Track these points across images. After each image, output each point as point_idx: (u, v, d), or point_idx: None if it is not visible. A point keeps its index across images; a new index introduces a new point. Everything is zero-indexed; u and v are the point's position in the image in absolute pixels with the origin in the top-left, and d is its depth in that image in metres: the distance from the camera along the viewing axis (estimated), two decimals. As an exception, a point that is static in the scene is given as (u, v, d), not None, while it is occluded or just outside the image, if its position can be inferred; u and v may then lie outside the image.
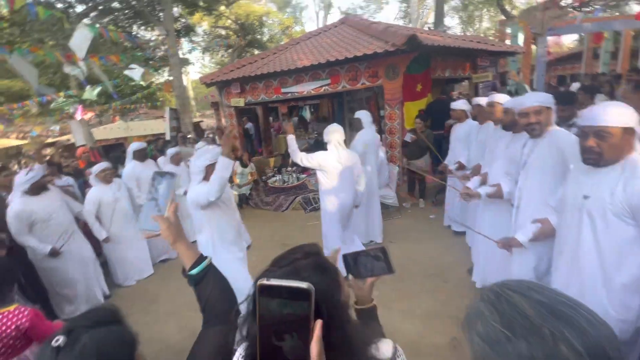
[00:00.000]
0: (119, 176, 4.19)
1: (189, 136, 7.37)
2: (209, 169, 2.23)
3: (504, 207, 2.41)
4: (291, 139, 3.29)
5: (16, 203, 3.03)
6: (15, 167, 10.22)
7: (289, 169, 6.97)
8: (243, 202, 6.29)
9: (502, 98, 2.75)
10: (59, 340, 0.63)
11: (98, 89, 8.38)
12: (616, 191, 1.37)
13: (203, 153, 2.35)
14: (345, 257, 0.92)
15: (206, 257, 0.92)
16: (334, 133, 3.25)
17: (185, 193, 4.56)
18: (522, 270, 2.04)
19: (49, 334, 1.54)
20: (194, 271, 0.89)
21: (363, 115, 3.97)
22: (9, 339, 1.38)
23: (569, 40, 20.53)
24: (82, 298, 3.45)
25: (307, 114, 13.22)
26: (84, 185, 4.42)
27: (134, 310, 3.47)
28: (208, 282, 0.89)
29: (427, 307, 2.91)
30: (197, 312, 0.92)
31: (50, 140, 13.97)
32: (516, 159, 2.15)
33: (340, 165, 3.24)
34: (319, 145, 7.77)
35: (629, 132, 1.37)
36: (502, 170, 2.46)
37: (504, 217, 2.40)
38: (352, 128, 4.08)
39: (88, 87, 8.66)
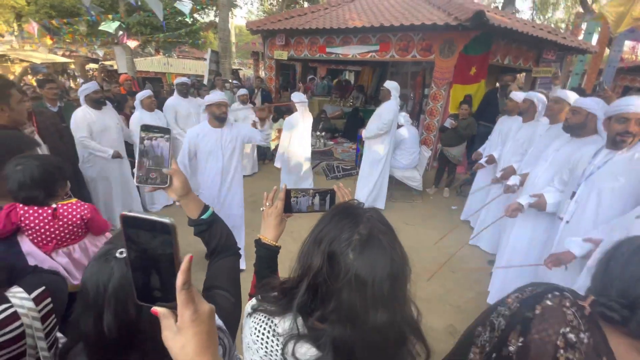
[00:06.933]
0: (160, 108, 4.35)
1: (232, 81, 7.32)
2: None
3: (545, 219, 2.24)
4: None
5: (79, 110, 3.32)
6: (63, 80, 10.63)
7: (318, 133, 6.89)
8: (267, 157, 6.33)
9: (571, 96, 2.49)
10: (124, 252, 0.65)
11: (137, 18, 8.31)
12: None
13: None
14: (288, 191, 0.96)
15: (209, 206, 1.01)
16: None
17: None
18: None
19: (104, 228, 1.70)
20: (206, 216, 0.97)
21: (393, 87, 3.98)
22: (74, 227, 1.55)
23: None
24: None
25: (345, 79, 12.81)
26: (116, 110, 4.61)
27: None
28: (218, 226, 1.00)
29: (431, 292, 2.93)
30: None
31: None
32: (578, 166, 1.90)
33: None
34: (356, 113, 7.57)
35: None
36: (545, 175, 2.29)
37: (537, 221, 2.29)
38: (380, 97, 4.16)
39: (135, 14, 8.67)
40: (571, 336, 0.68)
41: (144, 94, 3.87)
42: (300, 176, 4.32)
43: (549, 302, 0.74)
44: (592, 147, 1.87)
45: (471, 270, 3.28)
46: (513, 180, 2.59)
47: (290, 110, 4.36)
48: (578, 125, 2.06)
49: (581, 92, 5.01)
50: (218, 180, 2.85)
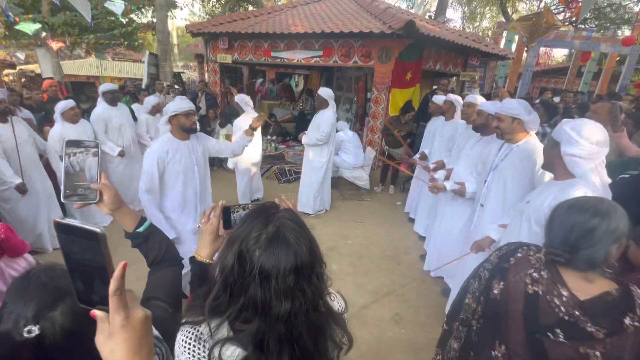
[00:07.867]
0: (86, 117, 3.98)
1: (175, 86, 6.98)
2: None
3: (466, 204, 2.56)
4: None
5: None
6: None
7: (269, 137, 6.89)
8: (216, 164, 6.17)
9: (478, 99, 2.85)
10: (33, 330, 0.61)
11: (62, 18, 7.63)
12: (544, 203, 1.44)
13: None
14: (227, 209, 0.94)
15: (146, 218, 1.01)
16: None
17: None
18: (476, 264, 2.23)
19: (22, 249, 1.56)
20: (142, 228, 0.98)
21: (328, 95, 3.97)
22: None
23: (559, 54, 21.07)
24: (45, 232, 3.38)
25: (294, 83, 12.93)
26: (43, 120, 4.15)
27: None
28: (156, 238, 1.00)
29: (378, 284, 3.11)
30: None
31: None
32: (488, 159, 2.25)
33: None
34: (304, 117, 7.70)
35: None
36: (465, 168, 2.60)
37: (464, 212, 2.58)
38: (316, 105, 4.16)
39: (60, 14, 7.91)
40: (535, 274, 0.95)
41: (66, 105, 3.41)
42: (251, 177, 4.32)
43: (519, 255, 1.02)
44: (497, 143, 2.22)
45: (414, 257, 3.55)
46: (439, 175, 2.89)
47: (237, 113, 4.32)
48: (482, 125, 2.42)
49: (487, 96, 5.68)
50: (192, 202, 2.44)
